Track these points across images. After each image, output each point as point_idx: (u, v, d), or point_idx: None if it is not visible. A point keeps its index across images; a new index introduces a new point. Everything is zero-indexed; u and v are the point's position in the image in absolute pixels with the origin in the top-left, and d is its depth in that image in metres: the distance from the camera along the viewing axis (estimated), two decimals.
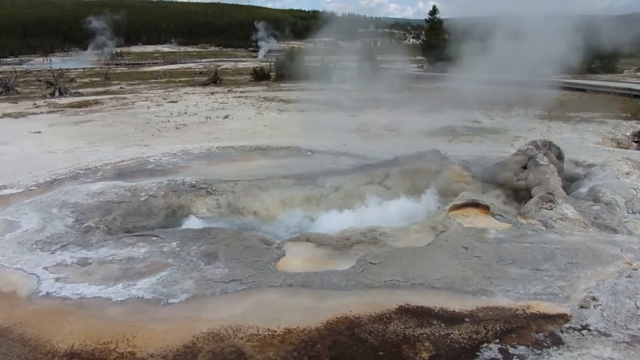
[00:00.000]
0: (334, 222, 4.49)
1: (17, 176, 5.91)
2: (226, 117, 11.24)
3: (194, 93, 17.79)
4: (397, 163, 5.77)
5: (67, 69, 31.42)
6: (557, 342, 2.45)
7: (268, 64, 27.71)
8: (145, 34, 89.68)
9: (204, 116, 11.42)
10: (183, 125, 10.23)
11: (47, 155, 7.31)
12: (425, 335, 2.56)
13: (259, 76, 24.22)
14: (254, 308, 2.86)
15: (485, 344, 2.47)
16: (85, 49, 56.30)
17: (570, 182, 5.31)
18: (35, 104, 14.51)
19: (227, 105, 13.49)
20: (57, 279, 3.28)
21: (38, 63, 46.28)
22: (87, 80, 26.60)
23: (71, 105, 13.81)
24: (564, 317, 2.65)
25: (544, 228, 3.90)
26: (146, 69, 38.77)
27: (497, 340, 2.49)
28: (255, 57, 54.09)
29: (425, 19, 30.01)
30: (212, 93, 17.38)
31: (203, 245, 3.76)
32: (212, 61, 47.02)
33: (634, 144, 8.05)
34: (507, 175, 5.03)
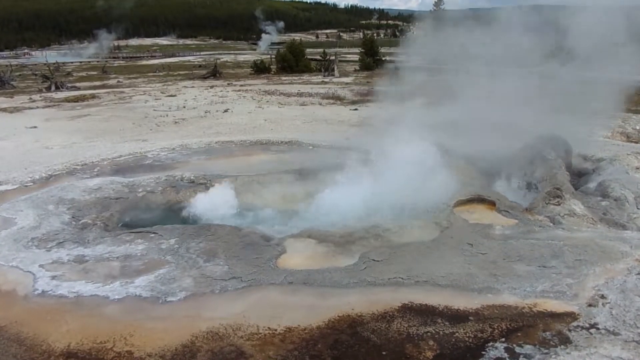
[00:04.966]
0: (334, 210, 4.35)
1: (13, 172, 5.83)
2: (226, 111, 11.10)
3: (193, 87, 17.59)
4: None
5: (63, 63, 31.09)
6: (565, 341, 2.40)
7: (269, 56, 27.40)
8: (143, 27, 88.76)
9: (203, 110, 11.28)
10: (182, 120, 10.11)
11: (44, 150, 7.22)
12: (429, 334, 2.51)
13: (260, 69, 23.98)
14: (254, 306, 2.81)
15: (491, 343, 2.42)
16: (82, 41, 55.57)
17: (578, 177, 5.22)
18: (31, 98, 14.35)
19: (227, 99, 13.32)
20: (53, 277, 3.22)
21: (24, 57, 45.24)
22: (84, 74, 26.36)
23: (68, 100, 13.64)
24: (572, 316, 2.60)
25: (551, 224, 3.84)
26: (144, 62, 38.42)
27: (503, 339, 2.45)
28: (255, 49, 53.61)
29: (430, 11, 29.48)
30: (212, 87, 17.18)
31: (202, 242, 3.70)
32: (212, 54, 46.61)
33: None
34: (514, 170, 4.92)
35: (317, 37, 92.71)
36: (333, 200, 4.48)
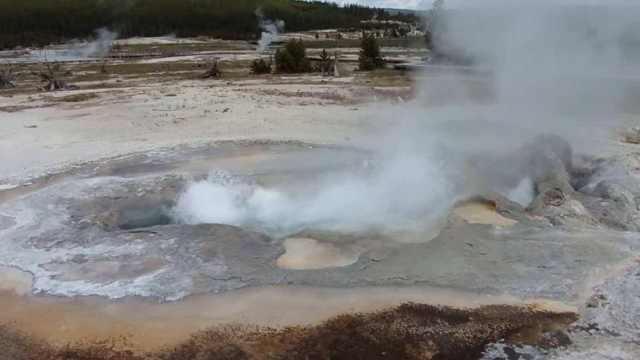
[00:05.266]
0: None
1: (12, 171, 5.82)
2: (225, 110, 11.09)
3: (192, 86, 17.58)
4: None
5: (62, 62, 31.02)
6: (564, 341, 2.40)
7: (268, 56, 27.38)
8: (143, 26, 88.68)
9: (203, 110, 11.27)
10: (181, 119, 10.09)
11: (43, 150, 7.20)
12: (428, 334, 2.51)
13: (259, 69, 23.96)
14: (254, 306, 2.81)
15: (491, 343, 2.41)
16: (82, 40, 55.54)
17: (578, 178, 5.21)
18: (30, 97, 14.32)
19: (227, 99, 13.31)
20: (53, 277, 3.22)
21: (23, 56, 44.99)
22: (83, 73, 26.32)
23: (67, 99, 13.62)
24: (572, 316, 2.60)
25: (551, 224, 3.84)
26: (144, 61, 38.39)
27: (503, 340, 2.44)
28: (255, 49, 53.63)
29: (430, 10, 29.44)
30: (211, 86, 17.17)
31: (201, 241, 3.70)
32: (211, 53, 46.61)
33: None
34: (514, 170, 4.92)
35: (317, 36, 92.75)
36: (332, 200, 4.48)
